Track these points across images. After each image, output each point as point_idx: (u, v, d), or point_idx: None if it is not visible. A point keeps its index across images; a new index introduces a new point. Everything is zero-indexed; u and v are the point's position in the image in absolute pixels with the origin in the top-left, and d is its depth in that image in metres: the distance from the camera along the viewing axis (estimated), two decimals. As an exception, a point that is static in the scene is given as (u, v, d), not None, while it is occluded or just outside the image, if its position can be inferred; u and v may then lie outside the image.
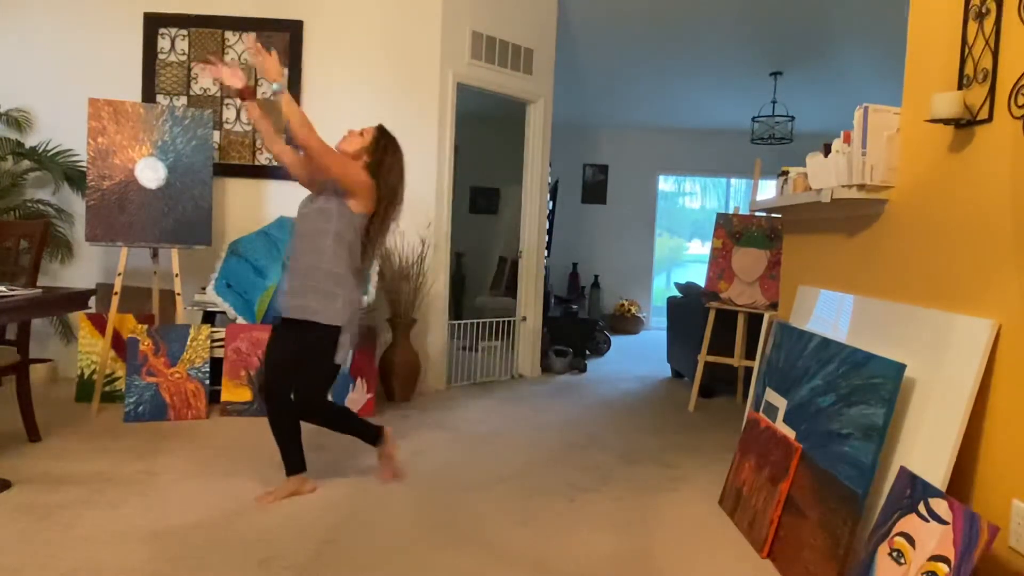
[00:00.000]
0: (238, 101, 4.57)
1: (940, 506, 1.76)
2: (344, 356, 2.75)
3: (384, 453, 2.97)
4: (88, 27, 4.55)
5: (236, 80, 2.82)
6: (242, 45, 4.56)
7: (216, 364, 3.92)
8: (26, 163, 4.50)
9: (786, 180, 3.22)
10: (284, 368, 2.73)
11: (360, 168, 2.74)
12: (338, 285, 2.70)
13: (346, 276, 2.73)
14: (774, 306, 4.18)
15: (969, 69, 2.03)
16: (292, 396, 2.74)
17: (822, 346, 2.53)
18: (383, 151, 2.81)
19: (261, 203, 4.63)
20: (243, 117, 4.61)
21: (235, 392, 3.87)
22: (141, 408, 3.69)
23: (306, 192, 2.93)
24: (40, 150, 4.46)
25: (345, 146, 2.81)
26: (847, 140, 2.50)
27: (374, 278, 4.19)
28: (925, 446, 2.00)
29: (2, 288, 2.86)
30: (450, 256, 4.93)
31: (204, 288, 4.18)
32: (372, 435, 2.94)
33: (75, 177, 4.47)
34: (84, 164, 4.32)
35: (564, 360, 5.63)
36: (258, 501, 2.68)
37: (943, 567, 1.66)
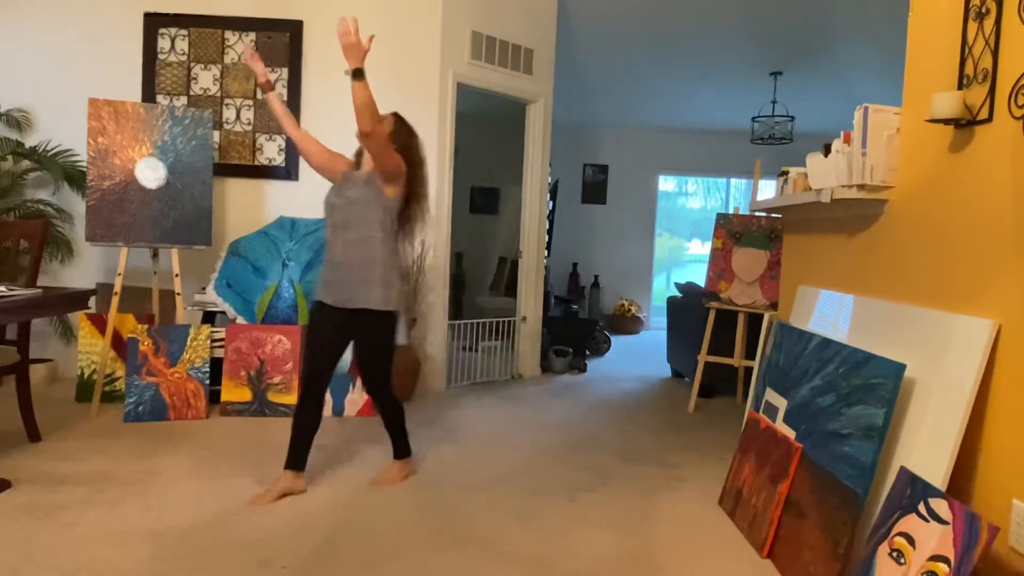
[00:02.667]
0: (238, 101, 4.58)
1: (940, 506, 1.76)
2: (405, 335, 2.85)
3: (397, 466, 3.03)
4: (88, 27, 4.55)
5: (261, 73, 2.97)
6: (241, 45, 4.57)
7: (216, 364, 3.92)
8: (26, 163, 4.50)
9: (786, 180, 3.22)
10: (332, 359, 2.81)
11: (400, 157, 2.78)
12: (393, 272, 2.80)
13: (396, 262, 2.83)
14: (774, 306, 4.18)
15: (969, 69, 2.04)
16: (326, 391, 2.85)
17: (822, 346, 2.53)
18: (407, 136, 2.87)
19: (261, 203, 4.63)
20: (243, 117, 4.62)
21: (235, 392, 3.87)
22: (141, 408, 3.69)
23: (326, 183, 2.97)
24: (40, 150, 4.46)
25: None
26: (847, 140, 2.50)
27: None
28: (925, 446, 2.00)
29: (2, 288, 2.86)
30: (450, 256, 4.93)
31: (204, 288, 4.18)
32: (404, 448, 3.05)
33: (75, 177, 4.47)
34: (84, 164, 4.32)
35: (564, 360, 5.63)
36: (252, 502, 2.67)
37: (943, 567, 1.66)
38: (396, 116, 2.89)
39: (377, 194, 2.75)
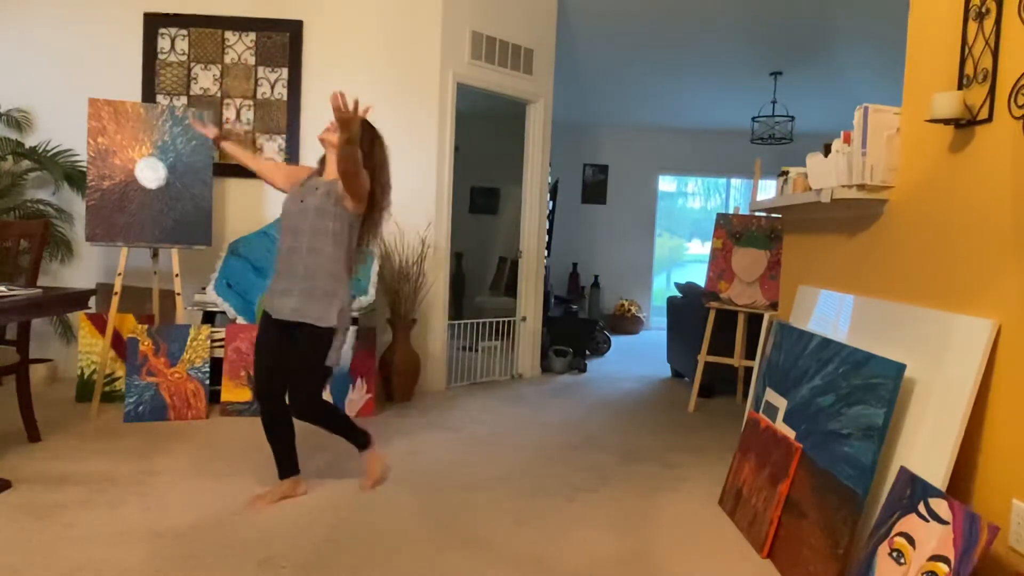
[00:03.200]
0: (238, 101, 4.58)
1: (940, 506, 1.76)
2: (336, 357, 2.73)
3: (369, 458, 2.94)
4: (88, 27, 4.55)
5: (211, 133, 3.07)
6: (241, 45, 4.57)
7: (216, 364, 3.92)
8: (26, 163, 4.50)
9: (786, 180, 3.22)
10: (280, 371, 2.71)
11: (367, 178, 2.67)
12: (338, 286, 2.69)
13: (344, 276, 2.72)
14: (774, 306, 4.18)
15: (969, 69, 2.04)
16: (285, 398, 2.73)
17: (822, 346, 2.53)
18: (372, 144, 2.75)
19: (261, 203, 4.63)
20: (243, 117, 4.62)
21: (235, 392, 3.87)
22: (141, 408, 3.69)
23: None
24: (40, 150, 4.46)
25: (332, 138, 2.73)
26: (847, 140, 2.50)
27: (374, 278, 4.19)
28: (925, 446, 2.00)
29: (2, 288, 2.86)
30: (450, 256, 4.93)
31: (204, 288, 4.18)
32: (361, 439, 2.92)
33: (75, 177, 4.47)
34: (84, 164, 4.32)
35: (564, 360, 5.63)
36: (250, 505, 2.65)
37: (943, 567, 1.66)
38: (364, 122, 2.72)
39: (336, 206, 2.66)
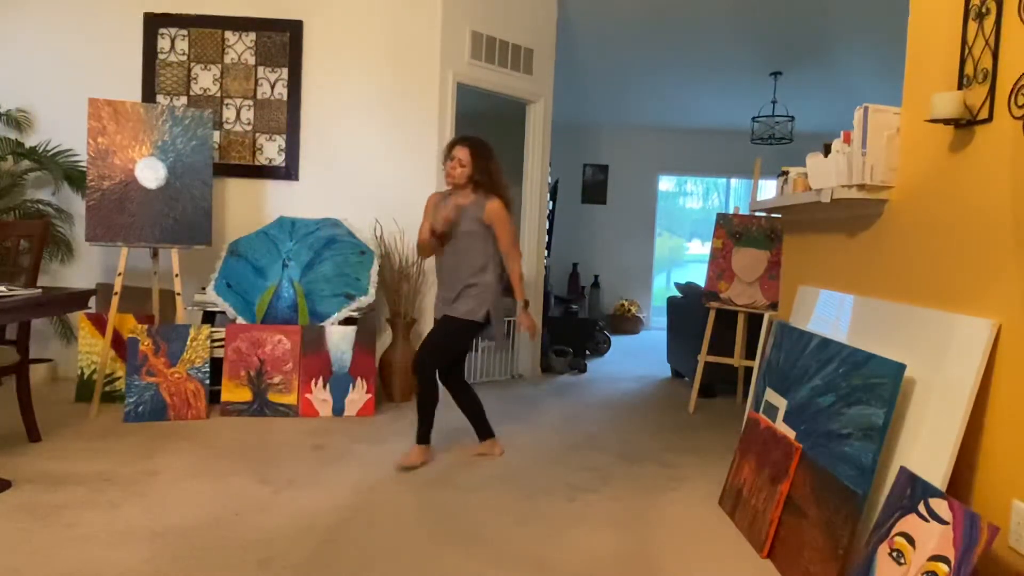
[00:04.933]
0: (238, 101, 4.58)
1: (940, 506, 1.76)
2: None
3: (419, 451, 3.22)
4: (88, 27, 4.55)
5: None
6: (241, 45, 4.57)
7: (216, 364, 3.92)
8: (26, 163, 4.50)
9: (786, 180, 3.22)
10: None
11: (511, 223, 3.20)
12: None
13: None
14: (774, 306, 4.18)
15: (969, 69, 2.04)
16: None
17: (822, 346, 2.53)
18: (485, 160, 3.14)
19: (261, 203, 4.63)
20: (243, 117, 4.62)
21: (235, 392, 3.87)
22: (141, 408, 3.69)
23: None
24: (40, 150, 4.46)
25: (456, 180, 3.17)
26: (847, 140, 2.50)
27: (374, 278, 4.19)
28: (925, 446, 2.00)
29: (2, 288, 2.86)
30: (450, 256, 4.92)
31: (204, 288, 4.18)
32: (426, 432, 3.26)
33: (75, 177, 4.47)
34: (84, 164, 4.32)
35: (564, 360, 5.63)
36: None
37: (943, 567, 1.66)
38: (470, 145, 3.17)
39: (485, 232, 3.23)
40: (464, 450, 3.44)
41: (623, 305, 8.59)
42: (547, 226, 6.00)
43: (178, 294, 3.98)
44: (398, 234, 4.56)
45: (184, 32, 4.56)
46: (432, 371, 3.20)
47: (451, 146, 3.22)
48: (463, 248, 3.19)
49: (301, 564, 2.21)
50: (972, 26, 2.03)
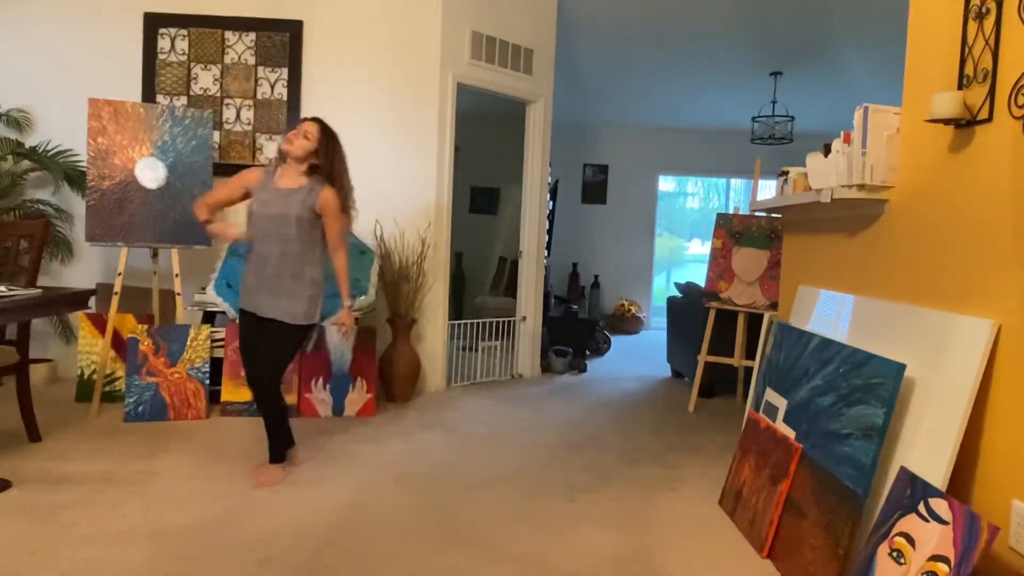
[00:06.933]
0: (238, 101, 4.58)
1: (940, 506, 1.76)
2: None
3: (277, 468, 2.96)
4: (88, 27, 4.55)
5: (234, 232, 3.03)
6: (241, 45, 4.57)
7: (216, 364, 3.92)
8: (26, 163, 4.50)
9: (786, 180, 3.22)
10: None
11: (340, 207, 2.91)
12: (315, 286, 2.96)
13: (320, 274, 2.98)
14: (774, 306, 4.18)
15: (969, 69, 2.04)
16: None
17: (822, 346, 2.53)
18: (332, 148, 2.94)
19: (261, 203, 4.62)
20: (243, 117, 4.62)
21: (235, 392, 3.87)
22: (141, 408, 3.69)
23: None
24: (40, 150, 4.46)
25: (293, 150, 2.90)
26: (847, 140, 2.50)
27: (374, 278, 4.19)
28: (925, 446, 2.00)
29: (2, 288, 2.86)
30: (450, 256, 4.93)
31: (204, 288, 4.18)
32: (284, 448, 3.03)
33: (75, 177, 4.47)
34: (84, 164, 4.32)
35: (564, 360, 5.63)
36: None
37: (943, 567, 1.66)
38: (321, 127, 2.95)
39: (312, 218, 2.92)
40: (465, 450, 3.45)
41: (623, 305, 8.59)
42: (547, 226, 6.01)
43: (178, 294, 3.98)
44: (398, 234, 4.57)
45: (184, 32, 4.56)
46: (279, 386, 2.95)
47: (301, 121, 3.02)
48: (289, 236, 2.86)
49: (301, 564, 2.21)
50: (972, 26, 2.03)
